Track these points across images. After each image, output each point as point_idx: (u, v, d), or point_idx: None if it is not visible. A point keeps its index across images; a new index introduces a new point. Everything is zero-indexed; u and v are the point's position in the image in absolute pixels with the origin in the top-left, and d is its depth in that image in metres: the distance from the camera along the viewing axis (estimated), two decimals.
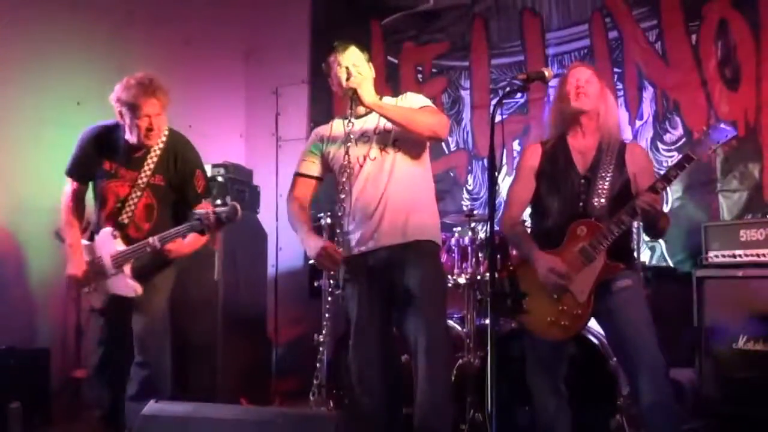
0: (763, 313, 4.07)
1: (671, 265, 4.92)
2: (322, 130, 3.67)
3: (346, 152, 3.35)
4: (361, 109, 3.47)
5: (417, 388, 3.35)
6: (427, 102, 3.54)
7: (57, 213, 5.15)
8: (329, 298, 3.48)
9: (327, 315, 3.26)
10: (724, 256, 4.31)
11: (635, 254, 3.66)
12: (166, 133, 3.86)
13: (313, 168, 3.61)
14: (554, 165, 3.40)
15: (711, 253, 4.37)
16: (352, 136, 3.38)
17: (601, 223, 3.19)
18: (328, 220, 5.06)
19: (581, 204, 3.28)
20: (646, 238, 4.88)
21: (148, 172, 3.79)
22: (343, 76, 3.46)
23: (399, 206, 3.40)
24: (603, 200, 3.25)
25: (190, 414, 3.01)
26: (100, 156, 3.86)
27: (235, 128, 6.63)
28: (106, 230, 3.80)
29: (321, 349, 3.26)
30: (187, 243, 3.80)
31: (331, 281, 3.37)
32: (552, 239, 3.30)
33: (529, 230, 3.55)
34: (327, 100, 6.33)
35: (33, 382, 4.64)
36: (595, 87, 3.37)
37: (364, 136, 3.49)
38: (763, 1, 4.75)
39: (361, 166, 3.45)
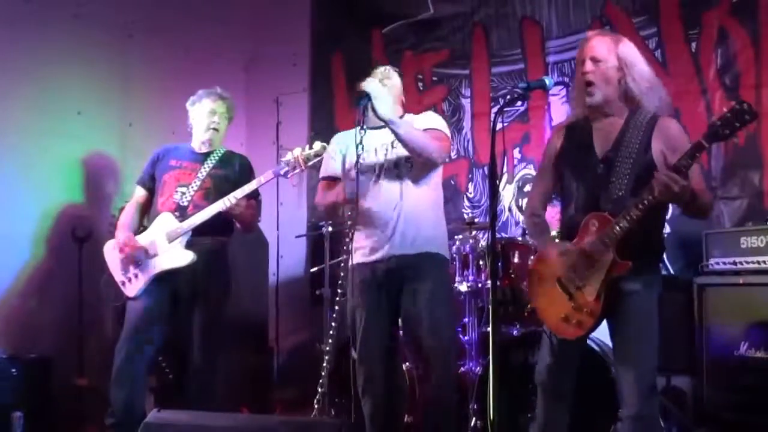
0: (764, 320, 4.06)
1: (672, 272, 4.92)
2: (343, 135, 3.72)
3: (359, 160, 3.36)
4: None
5: (423, 395, 3.38)
6: (438, 126, 3.57)
7: (58, 220, 5.22)
8: (336, 307, 3.50)
9: (333, 324, 3.27)
10: (724, 263, 4.31)
11: (659, 252, 3.21)
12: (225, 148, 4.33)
13: (336, 168, 3.65)
14: (576, 148, 3.14)
15: (712, 261, 4.37)
16: (362, 146, 3.38)
17: (614, 216, 2.92)
18: (330, 228, 5.06)
19: (600, 192, 3.01)
20: None
21: (211, 164, 4.20)
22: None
23: (412, 219, 3.46)
24: (622, 189, 2.96)
25: (191, 422, 3.01)
26: (165, 159, 4.24)
27: (235, 137, 6.61)
28: (165, 214, 4.07)
29: (325, 357, 3.26)
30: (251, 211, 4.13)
31: (339, 290, 3.38)
32: (572, 232, 3.07)
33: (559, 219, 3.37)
34: (328, 108, 6.35)
35: (35, 391, 4.65)
36: (607, 66, 3.02)
37: (382, 147, 3.52)
38: (762, 9, 4.76)
39: (377, 177, 3.49)
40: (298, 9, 6.66)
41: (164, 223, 4.05)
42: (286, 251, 6.23)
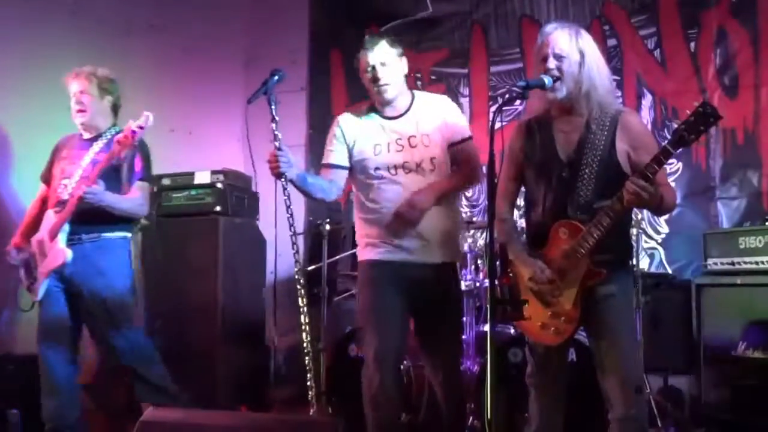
0: (761, 320, 4.06)
1: (670, 272, 4.92)
2: (352, 120, 3.51)
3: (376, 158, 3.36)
4: (401, 107, 3.42)
5: (443, 392, 3.48)
6: (467, 131, 3.47)
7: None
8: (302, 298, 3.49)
9: (308, 321, 3.26)
10: (723, 263, 4.32)
11: (629, 250, 3.24)
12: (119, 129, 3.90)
13: (340, 157, 3.47)
14: (538, 149, 3.06)
15: (710, 261, 4.38)
16: (381, 143, 3.38)
17: (583, 224, 2.88)
18: (327, 227, 5.04)
19: (566, 197, 2.95)
20: (646, 245, 4.88)
21: (96, 150, 3.91)
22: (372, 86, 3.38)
23: (434, 228, 3.37)
24: (589, 193, 2.91)
25: (188, 421, 3.00)
26: (59, 151, 4.05)
27: (234, 135, 6.63)
28: (49, 211, 3.89)
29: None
30: (116, 196, 3.81)
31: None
32: (538, 237, 3.04)
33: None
34: (326, 106, 6.33)
35: (30, 389, 4.62)
36: (570, 61, 2.94)
37: (398, 144, 3.39)
38: (761, 9, 4.77)
39: (393, 176, 3.37)
40: (296, 7, 6.65)
41: (48, 220, 3.87)
42: (285, 250, 6.19)
